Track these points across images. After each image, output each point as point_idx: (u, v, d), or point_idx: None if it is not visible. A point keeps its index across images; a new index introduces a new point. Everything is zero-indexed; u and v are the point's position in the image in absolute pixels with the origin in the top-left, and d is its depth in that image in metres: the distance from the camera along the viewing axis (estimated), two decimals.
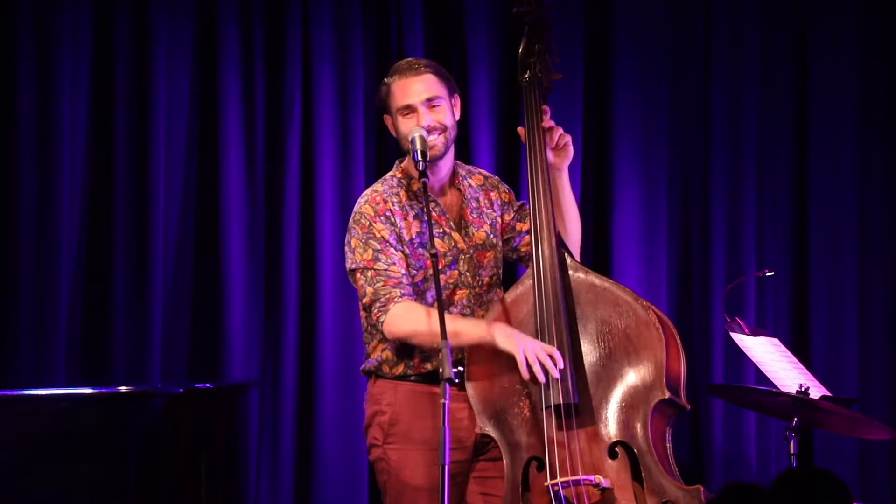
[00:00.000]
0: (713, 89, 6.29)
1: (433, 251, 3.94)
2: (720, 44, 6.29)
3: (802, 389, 4.79)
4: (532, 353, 4.00)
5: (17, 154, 5.80)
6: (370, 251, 4.16)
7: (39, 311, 5.77)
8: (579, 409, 4.04)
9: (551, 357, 4.00)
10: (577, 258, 4.25)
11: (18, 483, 4.61)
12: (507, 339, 4.03)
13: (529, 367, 3.99)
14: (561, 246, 4.16)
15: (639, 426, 4.01)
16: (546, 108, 4.28)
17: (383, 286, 4.13)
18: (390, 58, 6.03)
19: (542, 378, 3.99)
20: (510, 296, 4.20)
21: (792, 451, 4.80)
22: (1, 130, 5.81)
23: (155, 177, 5.90)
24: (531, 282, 4.13)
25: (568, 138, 4.27)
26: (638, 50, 6.25)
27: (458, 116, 4.28)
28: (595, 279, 4.14)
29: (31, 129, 5.81)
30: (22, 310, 5.77)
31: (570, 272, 4.14)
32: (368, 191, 4.27)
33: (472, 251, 4.25)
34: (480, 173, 4.41)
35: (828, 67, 6.29)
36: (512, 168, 6.06)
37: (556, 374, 4.00)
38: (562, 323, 4.06)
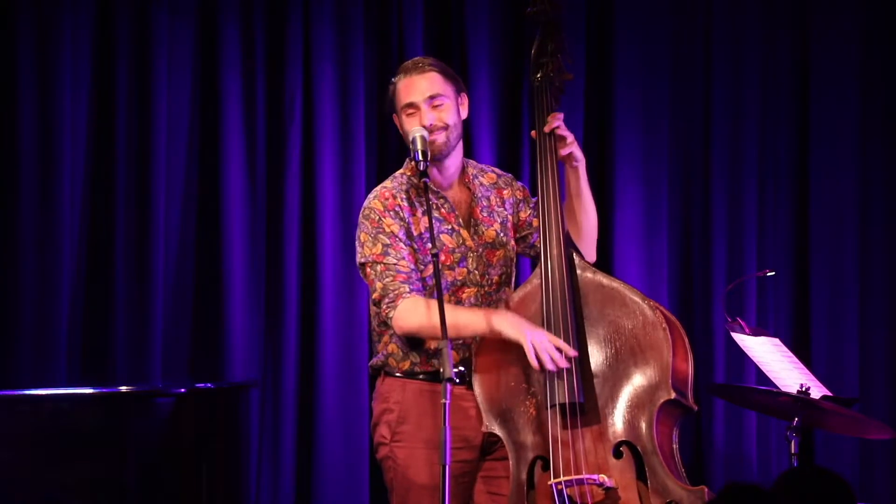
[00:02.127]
0: (713, 89, 6.29)
1: (434, 251, 3.95)
2: (720, 44, 6.29)
3: (803, 389, 4.79)
4: (541, 343, 3.99)
5: (18, 154, 5.79)
6: (379, 245, 4.18)
7: (40, 311, 5.77)
8: (585, 408, 4.04)
9: (560, 350, 4.00)
10: (594, 255, 4.26)
11: (18, 483, 4.60)
12: (513, 327, 4.03)
13: (538, 358, 3.99)
14: (569, 245, 4.16)
15: (644, 426, 4.01)
16: (559, 114, 4.25)
17: (392, 281, 4.14)
18: (391, 57, 6.04)
19: (551, 367, 3.98)
20: (517, 295, 4.20)
21: (793, 451, 4.80)
22: (1, 130, 5.81)
23: (156, 177, 5.89)
24: (539, 281, 4.13)
25: (571, 147, 4.22)
26: (638, 50, 6.25)
27: (464, 115, 4.30)
28: (603, 279, 4.14)
29: (32, 129, 5.80)
30: (22, 310, 5.76)
31: (578, 272, 4.14)
32: (378, 187, 4.30)
33: (481, 249, 4.26)
34: (493, 171, 4.42)
35: (828, 67, 6.30)
36: (513, 167, 6.05)
37: (564, 363, 3.99)
38: (569, 323, 4.07)
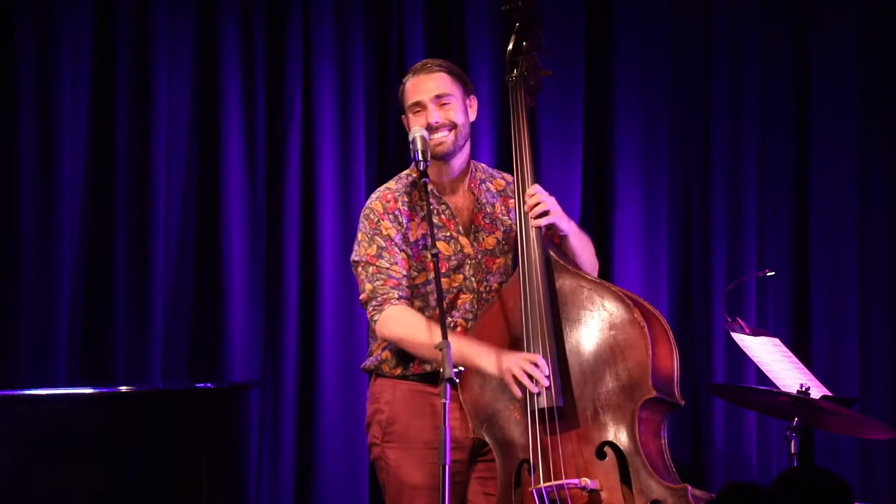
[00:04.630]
0: (713, 89, 6.29)
1: (434, 251, 3.95)
2: (720, 44, 6.29)
3: (803, 389, 4.78)
4: (517, 368, 3.99)
5: (18, 154, 5.80)
6: (374, 247, 4.19)
7: (39, 311, 5.77)
8: (565, 411, 4.03)
9: (536, 365, 3.99)
10: None
11: (18, 483, 4.60)
12: (491, 363, 4.03)
13: (520, 384, 3.99)
14: (548, 247, 4.15)
15: (626, 426, 4.00)
16: (536, 187, 4.17)
17: (382, 285, 4.15)
18: (391, 57, 6.05)
19: (534, 389, 3.99)
20: (507, 292, 4.19)
21: (793, 451, 4.80)
22: (1, 131, 5.81)
23: (155, 177, 5.90)
24: (517, 287, 4.12)
25: (540, 208, 4.13)
26: (638, 50, 6.25)
27: (473, 117, 4.30)
28: (581, 281, 4.12)
29: (32, 130, 5.81)
30: (22, 310, 5.77)
31: (556, 274, 4.13)
32: (383, 187, 4.31)
33: (480, 256, 4.25)
34: (503, 178, 4.40)
35: (828, 67, 6.29)
36: (512, 167, 6.04)
37: (546, 382, 3.99)
38: (547, 325, 4.05)
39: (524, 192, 4.17)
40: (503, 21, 6.04)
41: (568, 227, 4.20)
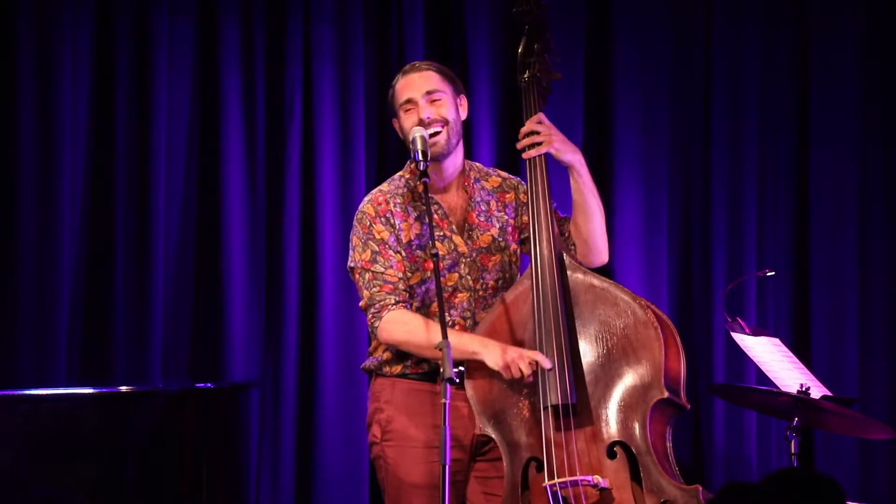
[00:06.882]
0: (713, 89, 6.29)
1: (434, 251, 3.95)
2: (720, 44, 6.29)
3: (803, 389, 4.78)
4: (513, 362, 4.01)
5: (18, 154, 5.79)
6: (368, 252, 4.18)
7: (40, 310, 5.76)
8: (577, 409, 4.03)
9: (536, 361, 4.01)
10: (605, 258, 4.27)
11: (18, 483, 4.60)
12: (492, 356, 4.03)
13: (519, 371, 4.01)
14: (560, 246, 4.15)
15: (637, 426, 4.00)
16: (537, 116, 4.22)
17: (379, 291, 4.15)
18: (391, 57, 6.05)
19: (521, 374, 4.00)
20: (510, 295, 4.19)
21: (793, 451, 4.80)
22: (1, 130, 5.81)
23: (155, 177, 5.89)
24: (529, 282, 4.13)
25: (545, 148, 4.19)
26: (638, 50, 6.25)
27: (464, 116, 4.30)
28: (594, 279, 4.13)
29: (32, 129, 5.80)
30: (22, 310, 5.76)
31: (569, 273, 4.13)
32: (375, 190, 4.31)
33: (475, 254, 4.25)
34: (499, 175, 4.40)
35: (828, 67, 6.30)
36: (513, 168, 6.03)
37: (527, 371, 4.00)
38: (560, 324, 4.06)
39: (537, 193, 4.16)
40: (506, 22, 6.11)
41: (573, 158, 4.19)
